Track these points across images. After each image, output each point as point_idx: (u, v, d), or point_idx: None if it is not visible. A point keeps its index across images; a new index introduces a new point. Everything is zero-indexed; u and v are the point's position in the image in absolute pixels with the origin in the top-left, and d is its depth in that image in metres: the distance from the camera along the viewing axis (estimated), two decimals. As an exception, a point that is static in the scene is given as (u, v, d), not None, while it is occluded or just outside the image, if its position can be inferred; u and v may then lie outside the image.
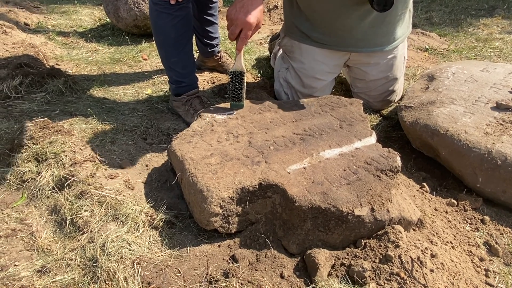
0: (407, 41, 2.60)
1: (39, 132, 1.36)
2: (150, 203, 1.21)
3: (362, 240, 1.02)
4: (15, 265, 1.00)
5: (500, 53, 2.67)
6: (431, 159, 1.51)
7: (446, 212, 1.26)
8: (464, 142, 1.31)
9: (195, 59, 2.18)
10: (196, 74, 1.75)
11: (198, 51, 2.17)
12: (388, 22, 1.51)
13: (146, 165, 1.42)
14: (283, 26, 1.84)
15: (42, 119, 1.44)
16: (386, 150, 1.18)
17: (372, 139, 1.25)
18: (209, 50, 2.06)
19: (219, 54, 2.14)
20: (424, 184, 1.37)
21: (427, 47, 2.74)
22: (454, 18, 3.41)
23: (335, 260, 1.01)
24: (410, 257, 0.95)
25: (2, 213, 1.17)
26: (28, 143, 1.32)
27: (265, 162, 1.15)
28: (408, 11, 1.66)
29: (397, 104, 1.89)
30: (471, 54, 2.66)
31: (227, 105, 1.48)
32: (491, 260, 1.12)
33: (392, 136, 1.72)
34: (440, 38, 2.95)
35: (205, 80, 2.12)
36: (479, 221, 1.24)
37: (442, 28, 3.16)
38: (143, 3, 2.45)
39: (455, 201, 1.30)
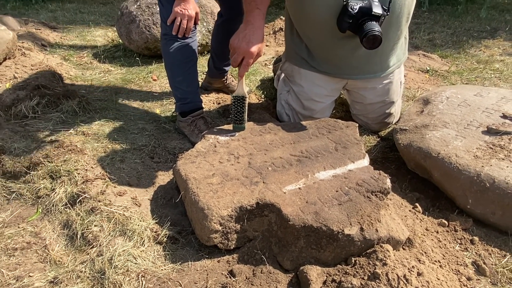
0: (408, 62, 2.67)
1: (54, 151, 1.46)
2: (155, 219, 1.29)
3: (353, 258, 1.09)
4: (30, 276, 1.08)
5: (500, 75, 2.72)
6: (425, 179, 1.57)
7: (437, 232, 1.32)
8: (455, 165, 1.37)
9: (202, 81, 2.31)
10: (202, 94, 1.86)
11: (205, 73, 2.29)
12: (381, 52, 1.60)
13: (153, 183, 1.51)
14: (284, 51, 1.94)
15: (57, 139, 1.54)
16: (377, 173, 1.25)
17: (365, 161, 1.32)
18: (219, 73, 2.17)
19: (226, 76, 2.25)
20: (417, 204, 1.43)
21: (428, 68, 2.82)
22: (456, 40, 3.48)
23: (326, 276, 1.07)
24: (397, 274, 1.01)
25: (18, 227, 1.26)
26: (44, 161, 1.42)
27: (263, 182, 1.23)
28: (403, 38, 1.74)
29: (394, 125, 1.96)
30: (472, 76, 2.71)
31: (229, 127, 1.57)
32: (478, 279, 1.17)
33: (389, 157, 1.78)
34: (442, 59, 3.02)
35: (211, 100, 2.22)
36: (469, 241, 1.29)
37: (444, 50, 3.23)
38: (154, 26, 2.58)
39: (446, 222, 1.35)
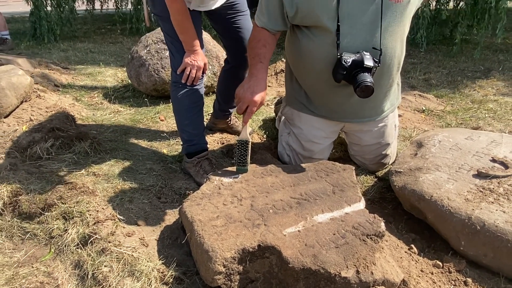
0: (405, 102, 2.80)
1: (68, 192, 1.55)
2: (162, 260, 1.35)
3: (350, 300, 1.14)
4: (43, 315, 1.14)
5: (494, 115, 2.81)
6: (421, 220, 1.63)
7: (432, 274, 1.37)
8: (447, 208, 1.44)
9: (207, 121, 2.43)
10: (207, 134, 1.97)
11: (210, 114, 2.41)
12: (375, 99, 1.71)
13: (160, 223, 1.58)
14: (285, 96, 2.07)
15: (70, 180, 1.63)
16: (372, 216, 1.32)
17: (361, 204, 1.40)
18: (224, 114, 2.30)
19: (230, 117, 2.37)
20: (412, 246, 1.48)
21: (424, 108, 2.93)
22: (451, 80, 3.62)
23: (325, 318, 1.12)
24: (392, 317, 1.07)
25: (32, 267, 1.33)
26: (58, 202, 1.51)
27: (264, 224, 1.30)
28: (395, 85, 1.86)
29: (391, 166, 2.04)
30: (467, 115, 2.81)
31: (233, 169, 1.66)
32: (472, 321, 1.21)
33: (386, 197, 1.85)
34: (437, 99, 3.14)
35: (215, 140, 2.33)
36: (462, 282, 1.34)
37: (439, 90, 3.36)
38: (163, 70, 2.74)
39: (440, 263, 1.41)
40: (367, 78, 1.51)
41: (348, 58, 1.53)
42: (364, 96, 1.52)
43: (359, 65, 1.53)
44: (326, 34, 1.58)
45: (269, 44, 1.64)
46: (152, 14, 1.88)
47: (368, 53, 1.55)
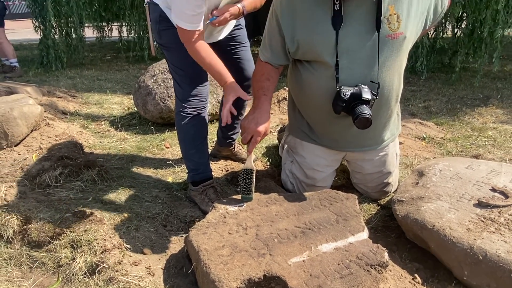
0: (405, 130, 2.85)
1: (76, 221, 1.58)
2: (167, 290, 1.37)
3: (355, 331, 1.15)
4: None
5: (494, 143, 2.85)
6: (425, 249, 1.64)
7: (436, 304, 1.38)
8: (449, 238, 1.46)
9: (211, 148, 2.48)
10: (211, 161, 2.01)
11: (214, 142, 2.46)
12: (374, 128, 1.76)
13: (165, 252, 1.60)
14: (287, 125, 2.12)
15: (78, 209, 1.66)
16: (375, 246, 1.34)
17: (364, 234, 1.42)
18: (227, 142, 2.35)
19: (233, 144, 2.42)
20: (416, 275, 1.49)
21: (424, 136, 2.97)
22: (451, 107, 3.68)
23: None
24: None
25: (40, 296, 1.35)
26: (66, 231, 1.54)
27: (270, 254, 1.33)
28: (395, 115, 1.92)
29: (393, 194, 2.07)
30: (467, 143, 2.85)
31: (238, 197, 1.69)
32: None
33: (389, 226, 1.87)
34: (437, 127, 3.19)
35: (219, 167, 2.37)
36: (467, 313, 1.35)
37: (439, 117, 3.41)
38: (169, 99, 2.81)
39: (444, 293, 1.42)
40: (365, 110, 1.57)
41: (347, 91, 1.59)
42: (362, 127, 1.57)
43: (357, 98, 1.59)
44: (326, 68, 1.65)
45: (272, 77, 1.71)
46: (155, 43, 1.96)
47: (366, 86, 1.61)
